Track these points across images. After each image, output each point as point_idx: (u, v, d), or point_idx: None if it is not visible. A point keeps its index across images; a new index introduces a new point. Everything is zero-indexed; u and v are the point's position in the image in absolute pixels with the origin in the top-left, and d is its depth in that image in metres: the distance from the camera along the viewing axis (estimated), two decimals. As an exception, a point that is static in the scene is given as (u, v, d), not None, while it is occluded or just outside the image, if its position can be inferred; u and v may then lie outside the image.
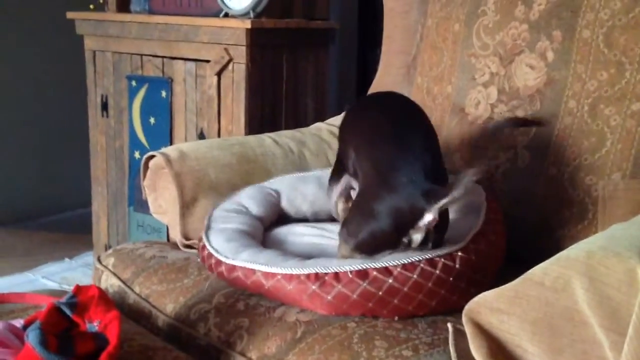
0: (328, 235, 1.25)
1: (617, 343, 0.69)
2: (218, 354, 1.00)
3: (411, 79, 1.56)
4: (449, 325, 0.88)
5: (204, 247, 1.17)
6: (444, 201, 0.95)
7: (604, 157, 1.16)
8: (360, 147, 1.14)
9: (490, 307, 0.80)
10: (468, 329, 0.81)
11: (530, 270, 0.77)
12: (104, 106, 2.38)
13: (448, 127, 1.39)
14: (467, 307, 0.82)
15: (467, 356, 0.82)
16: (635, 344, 0.66)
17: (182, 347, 1.03)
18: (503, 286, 0.79)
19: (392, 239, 1.01)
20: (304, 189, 1.37)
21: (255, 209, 1.30)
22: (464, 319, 0.82)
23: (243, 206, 1.30)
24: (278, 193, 1.36)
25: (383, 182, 1.03)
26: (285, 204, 1.36)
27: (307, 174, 1.41)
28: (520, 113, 1.26)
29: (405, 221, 0.99)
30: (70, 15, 2.38)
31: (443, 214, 1.00)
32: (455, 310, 0.99)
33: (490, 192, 1.22)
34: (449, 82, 1.41)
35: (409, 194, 0.98)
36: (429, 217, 0.97)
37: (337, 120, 1.47)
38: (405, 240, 1.00)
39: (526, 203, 1.23)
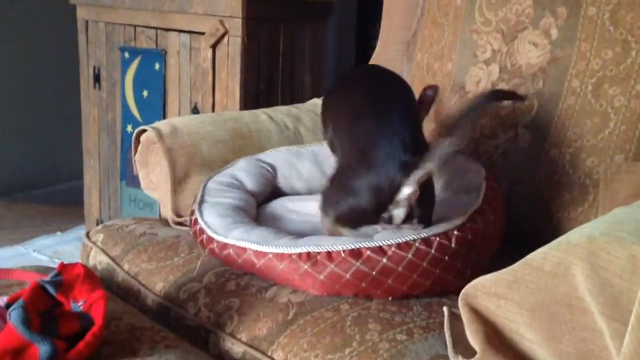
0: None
1: (618, 331, 0.67)
2: (207, 335, 0.98)
3: (411, 55, 1.53)
4: (445, 309, 0.86)
5: (196, 221, 1.15)
6: (419, 172, 0.93)
7: (607, 138, 1.13)
8: (338, 122, 1.12)
9: (487, 291, 0.77)
10: (464, 314, 0.79)
11: (529, 255, 0.74)
12: (97, 78, 2.34)
13: (447, 105, 1.36)
14: (463, 291, 0.80)
15: (463, 341, 0.80)
16: (638, 333, 0.64)
17: (171, 327, 1.01)
18: (501, 270, 0.77)
19: (372, 215, 0.99)
20: (300, 165, 1.35)
21: (249, 183, 1.27)
22: (460, 303, 0.80)
23: (237, 180, 1.27)
24: (274, 169, 1.33)
25: (361, 158, 1.01)
26: (280, 181, 1.33)
27: (303, 148, 1.38)
28: (522, 91, 1.23)
29: (384, 196, 0.97)
30: (62, -16, 2.34)
31: (426, 187, 0.98)
32: (450, 292, 0.98)
33: (489, 171, 1.19)
34: (449, 58, 1.38)
35: (386, 169, 0.96)
36: (407, 191, 0.95)
37: (334, 96, 1.44)
38: (385, 216, 0.98)
39: (526, 184, 1.21)
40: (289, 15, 2.08)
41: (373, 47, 1.73)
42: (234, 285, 1.02)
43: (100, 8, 2.26)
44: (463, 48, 1.34)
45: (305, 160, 1.36)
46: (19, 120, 3.17)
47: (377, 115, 1.04)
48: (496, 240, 1.09)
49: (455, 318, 0.83)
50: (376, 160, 0.98)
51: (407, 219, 0.99)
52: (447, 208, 1.07)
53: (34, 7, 3.10)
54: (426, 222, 1.01)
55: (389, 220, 0.99)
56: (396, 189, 0.96)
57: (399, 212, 0.98)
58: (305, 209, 1.25)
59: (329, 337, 0.89)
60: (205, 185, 1.24)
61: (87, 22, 2.32)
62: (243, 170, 1.29)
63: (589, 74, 1.16)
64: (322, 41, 2.23)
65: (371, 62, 1.70)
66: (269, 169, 1.33)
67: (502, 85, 1.26)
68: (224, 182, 1.25)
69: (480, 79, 1.30)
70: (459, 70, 1.35)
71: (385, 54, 1.66)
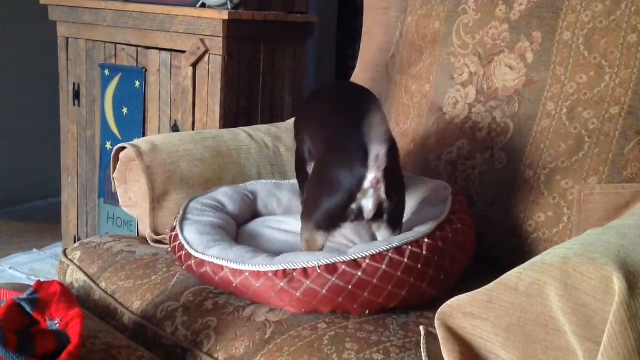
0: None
1: (591, 351, 0.68)
2: (184, 354, 0.98)
3: (390, 76, 1.54)
4: (422, 328, 0.87)
5: (176, 237, 1.15)
6: (373, 153, 0.96)
7: (581, 160, 1.15)
8: (313, 130, 1.17)
9: (463, 311, 0.78)
10: (440, 333, 0.80)
11: (504, 275, 0.75)
12: (76, 95, 2.33)
13: (425, 126, 1.37)
14: (440, 310, 0.81)
15: (439, 361, 0.80)
16: (610, 353, 0.65)
17: (148, 346, 1.00)
18: (477, 290, 0.77)
19: (345, 208, 1.01)
20: (280, 194, 1.37)
21: (230, 206, 1.28)
22: (436, 323, 0.81)
23: (219, 202, 1.28)
24: (254, 195, 1.35)
25: (332, 156, 1.05)
26: (260, 206, 1.35)
27: (283, 181, 1.41)
28: (498, 114, 1.25)
29: (351, 185, 1.00)
30: (43, 0, 2.33)
31: (392, 177, 1.00)
32: (425, 301, 1.00)
33: (455, 187, 1.22)
34: (427, 80, 1.39)
35: (352, 161, 0.99)
36: (370, 176, 0.98)
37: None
38: (354, 207, 1.01)
39: (502, 205, 1.22)
40: (269, 35, 2.09)
41: (352, 68, 1.75)
42: (212, 304, 1.02)
43: (81, 25, 2.26)
44: (441, 70, 1.36)
45: (285, 190, 1.38)
46: (-3, 136, 3.15)
47: (346, 118, 1.07)
48: (468, 249, 1.11)
49: (431, 337, 0.84)
50: (344, 156, 1.02)
51: (378, 216, 1.01)
52: (415, 219, 1.10)
53: (13, 23, 3.09)
54: (395, 221, 1.04)
55: (360, 215, 1.01)
56: (361, 176, 0.98)
57: (367, 203, 1.00)
58: (286, 225, 1.25)
59: (306, 356, 0.89)
60: (187, 206, 1.25)
61: (67, 39, 2.32)
62: (224, 195, 1.30)
63: (563, 97, 1.18)
64: (303, 61, 2.25)
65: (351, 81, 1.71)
66: (249, 195, 1.34)
67: (479, 107, 1.28)
68: (206, 203, 1.26)
69: (458, 101, 1.32)
70: (436, 92, 1.37)
71: (365, 74, 1.67)
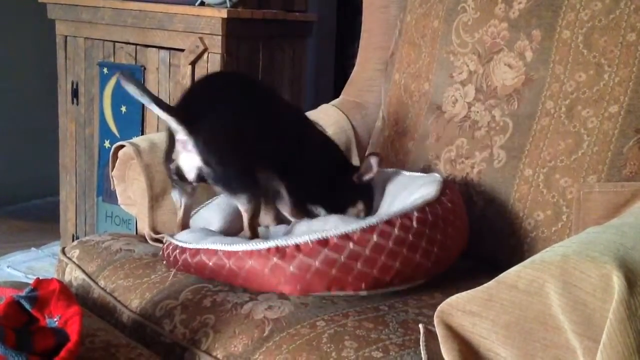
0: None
1: (590, 349, 0.68)
2: (183, 352, 0.97)
3: (389, 75, 1.54)
4: (421, 326, 0.87)
5: (168, 244, 1.15)
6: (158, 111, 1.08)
7: (580, 159, 1.15)
8: None
9: (462, 309, 0.78)
10: (439, 331, 0.80)
11: (504, 273, 0.75)
12: (75, 93, 2.32)
13: (424, 125, 1.37)
14: (439, 308, 0.81)
15: (438, 359, 0.80)
16: (609, 351, 0.65)
17: (147, 344, 1.00)
18: (476, 288, 0.77)
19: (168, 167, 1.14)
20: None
21: (219, 223, 1.27)
22: (435, 321, 0.81)
23: (206, 220, 1.28)
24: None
25: None
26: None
27: None
28: (497, 112, 1.25)
29: (166, 147, 1.14)
30: (42, -2, 2.33)
31: (212, 145, 1.08)
32: (422, 275, 1.02)
33: (449, 180, 1.24)
34: (426, 79, 1.39)
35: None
36: (178, 138, 1.09)
37: (313, 114, 1.45)
38: (172, 167, 1.12)
39: (501, 203, 1.22)
40: (268, 34, 2.09)
41: (352, 66, 1.75)
42: (210, 301, 1.02)
43: (79, 23, 2.25)
44: (440, 69, 1.36)
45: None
46: (-5, 135, 3.14)
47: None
48: (460, 228, 1.12)
49: (431, 335, 0.84)
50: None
51: (202, 180, 1.12)
52: (404, 198, 1.14)
53: (12, 21, 3.09)
54: (227, 186, 1.12)
55: (183, 175, 1.12)
56: (171, 138, 1.11)
57: (182, 164, 1.10)
58: (281, 227, 1.26)
59: (305, 354, 0.89)
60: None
61: (66, 37, 2.32)
62: (213, 211, 1.30)
63: (562, 96, 1.18)
64: (302, 59, 2.25)
65: (350, 80, 1.72)
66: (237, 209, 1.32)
67: (478, 106, 1.28)
68: (194, 227, 1.25)
69: (457, 99, 1.32)
70: (435, 90, 1.37)
71: (364, 73, 1.67)
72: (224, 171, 1.11)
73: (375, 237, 0.99)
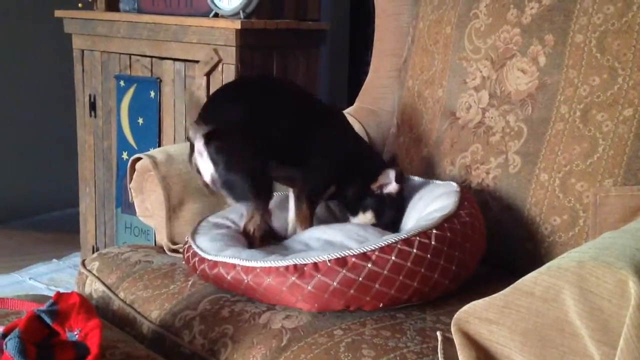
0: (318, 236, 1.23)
1: (608, 355, 0.68)
2: (202, 363, 0.98)
3: (402, 82, 1.55)
4: (438, 334, 0.87)
5: (189, 247, 1.16)
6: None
7: (596, 163, 1.15)
8: None
9: (479, 316, 0.78)
10: (457, 339, 0.80)
11: (520, 280, 0.75)
12: (92, 106, 2.35)
13: (438, 131, 1.38)
14: (456, 316, 0.81)
15: (456, 366, 0.80)
16: (626, 357, 0.64)
17: (167, 355, 1.01)
18: (493, 295, 0.77)
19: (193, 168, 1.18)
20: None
21: (241, 222, 1.27)
22: (452, 329, 0.81)
23: (230, 219, 1.28)
24: (269, 213, 1.34)
25: None
26: (274, 222, 1.34)
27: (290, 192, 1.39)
28: (511, 118, 1.25)
29: (189, 152, 1.17)
30: (58, 13, 2.35)
31: (223, 150, 1.11)
32: (441, 294, 1.02)
33: (465, 188, 1.23)
34: (440, 85, 1.40)
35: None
36: (198, 143, 1.12)
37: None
38: (194, 168, 1.16)
39: (517, 209, 1.22)
40: (282, 43, 2.10)
41: (365, 74, 1.75)
42: (228, 311, 1.02)
43: (95, 37, 2.28)
44: (453, 75, 1.36)
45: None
46: (16, 148, 3.18)
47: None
48: (478, 243, 1.11)
49: (448, 343, 0.84)
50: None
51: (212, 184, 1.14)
52: (421, 213, 1.14)
53: (30, 36, 3.13)
54: (233, 193, 1.15)
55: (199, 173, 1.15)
56: (192, 143, 1.14)
57: (199, 166, 1.14)
58: (303, 236, 1.25)
59: (323, 363, 0.89)
60: (199, 223, 1.26)
61: (82, 51, 2.34)
62: (235, 212, 1.30)
63: (577, 100, 1.18)
64: (315, 68, 2.26)
65: (364, 87, 1.72)
66: None
67: (492, 111, 1.28)
68: (216, 221, 1.27)
69: (470, 105, 1.32)
70: (449, 96, 1.37)
71: (377, 80, 1.68)
72: (232, 175, 1.13)
73: (394, 257, 0.98)
